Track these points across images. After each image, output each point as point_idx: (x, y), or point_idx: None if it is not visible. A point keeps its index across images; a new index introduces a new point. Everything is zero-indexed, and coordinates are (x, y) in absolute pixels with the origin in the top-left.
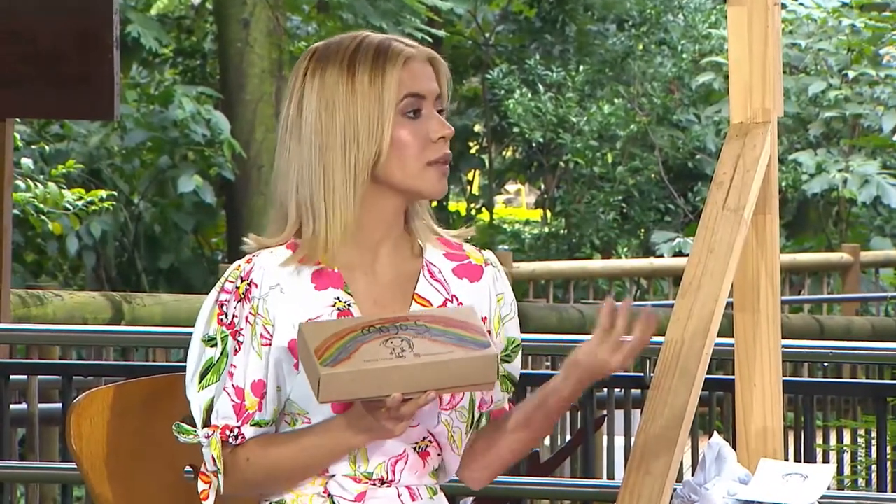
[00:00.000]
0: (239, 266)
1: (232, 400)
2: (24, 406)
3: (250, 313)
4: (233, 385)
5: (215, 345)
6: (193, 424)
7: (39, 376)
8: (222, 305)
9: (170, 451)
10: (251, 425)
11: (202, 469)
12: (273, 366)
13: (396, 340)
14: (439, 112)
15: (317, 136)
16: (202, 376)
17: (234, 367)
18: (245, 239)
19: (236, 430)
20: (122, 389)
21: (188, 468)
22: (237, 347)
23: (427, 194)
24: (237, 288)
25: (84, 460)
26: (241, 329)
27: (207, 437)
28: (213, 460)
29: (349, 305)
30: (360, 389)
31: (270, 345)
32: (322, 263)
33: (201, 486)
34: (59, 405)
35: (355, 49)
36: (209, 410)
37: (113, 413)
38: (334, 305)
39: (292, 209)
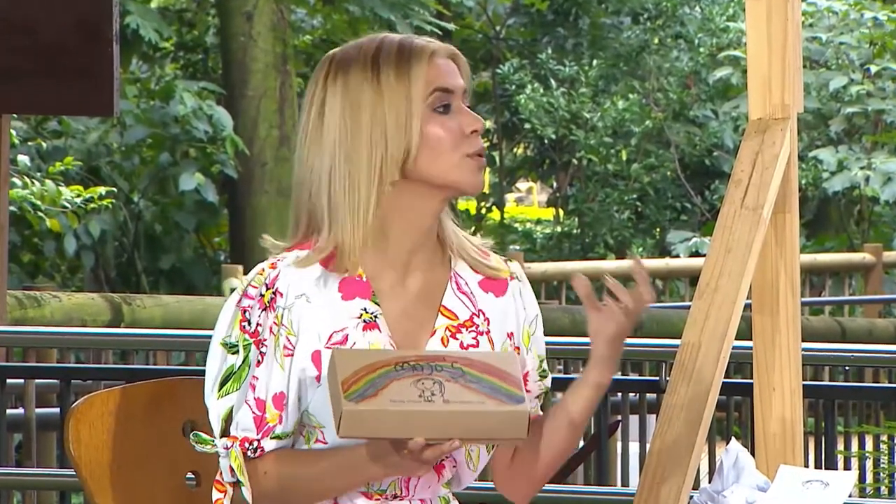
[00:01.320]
0: (263, 271)
1: (253, 412)
2: (20, 411)
3: (274, 323)
4: (255, 397)
5: (237, 352)
6: (205, 431)
7: (37, 380)
8: (245, 311)
9: (171, 458)
10: (271, 438)
11: (217, 478)
12: (295, 377)
13: (428, 382)
14: (468, 106)
15: (341, 139)
16: (222, 384)
17: (257, 378)
18: (264, 236)
19: (256, 443)
20: (122, 394)
21: (190, 475)
22: (260, 358)
23: (464, 188)
24: (262, 296)
25: (83, 467)
26: (265, 339)
27: (226, 447)
28: (232, 471)
29: (375, 317)
30: (383, 429)
31: (293, 356)
32: (349, 271)
33: (216, 494)
34: (56, 410)
35: (377, 49)
36: (228, 420)
37: (113, 418)
38: (360, 317)
39: (313, 214)
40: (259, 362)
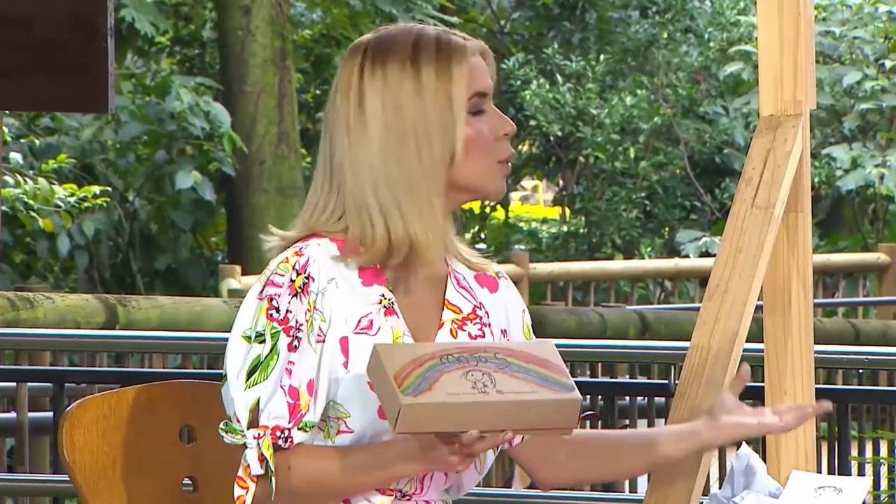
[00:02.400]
0: (287, 259)
1: (287, 399)
2: (13, 415)
3: (307, 309)
4: (290, 384)
5: (263, 341)
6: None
7: (29, 383)
8: (272, 299)
9: (168, 463)
10: (299, 429)
11: (240, 473)
12: (325, 364)
13: (477, 374)
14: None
15: (387, 136)
16: (249, 374)
17: (293, 363)
18: (272, 231)
19: (287, 432)
20: (117, 397)
21: (187, 480)
22: (296, 344)
23: (492, 194)
24: (292, 281)
25: (77, 472)
26: (300, 325)
27: (257, 437)
28: (261, 461)
29: (393, 303)
30: (440, 423)
31: (324, 342)
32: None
33: (238, 491)
34: (50, 414)
35: (415, 43)
36: (255, 410)
37: (107, 422)
38: (380, 303)
39: (352, 204)
40: (294, 348)
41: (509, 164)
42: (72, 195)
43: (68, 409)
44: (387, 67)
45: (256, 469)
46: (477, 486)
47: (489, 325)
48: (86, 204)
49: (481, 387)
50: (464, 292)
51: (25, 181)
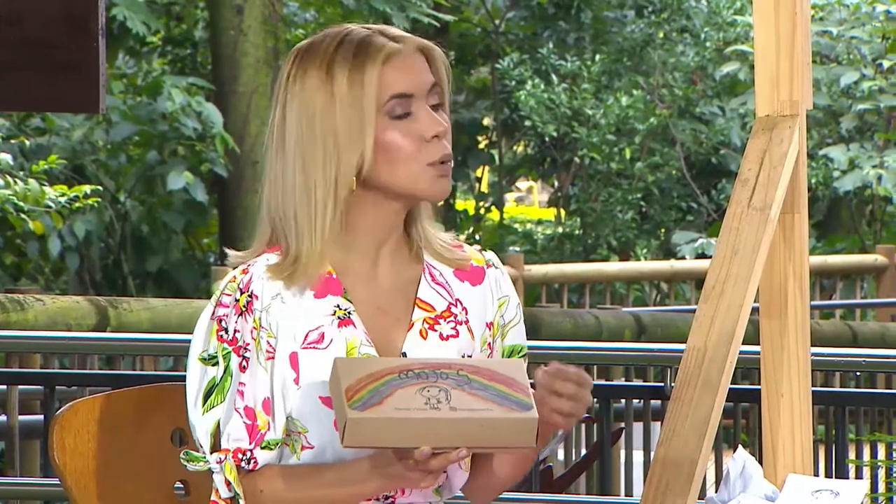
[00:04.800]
0: (235, 277)
1: (244, 420)
2: (3, 418)
3: (254, 327)
4: (244, 405)
5: (217, 363)
6: (193, 447)
7: (20, 386)
8: (221, 321)
9: (159, 466)
10: (262, 448)
11: (213, 497)
12: (277, 381)
13: (434, 389)
14: (436, 106)
15: (298, 147)
16: (206, 398)
17: (244, 384)
18: (227, 252)
19: (249, 454)
20: (109, 400)
21: (179, 484)
22: (244, 364)
23: (426, 197)
24: (237, 301)
25: (68, 476)
26: (247, 344)
27: (219, 461)
28: (228, 485)
29: (349, 313)
30: (389, 438)
31: (273, 358)
32: (309, 280)
33: None
34: (40, 417)
35: (336, 49)
36: (216, 434)
37: (98, 425)
38: (334, 314)
39: (276, 222)
40: (244, 368)
41: (447, 163)
42: (62, 196)
43: (59, 412)
44: (307, 76)
45: (225, 493)
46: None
47: (466, 322)
48: (77, 205)
49: (434, 403)
50: (439, 288)
51: (16, 182)
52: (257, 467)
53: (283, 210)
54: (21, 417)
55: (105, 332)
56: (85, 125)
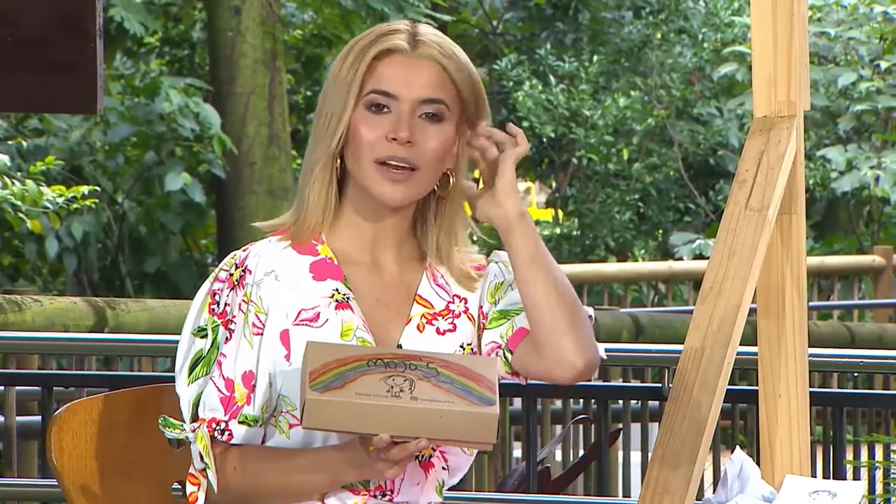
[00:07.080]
0: (234, 255)
1: (220, 391)
2: (1, 419)
3: (243, 301)
4: (222, 375)
5: (206, 336)
6: (176, 417)
7: (17, 387)
8: (215, 294)
9: (157, 467)
10: (239, 422)
11: (190, 470)
12: (266, 356)
13: (398, 379)
14: (432, 118)
15: (313, 126)
16: (191, 369)
17: (224, 356)
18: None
19: (223, 425)
20: (106, 401)
21: (177, 485)
22: (228, 336)
23: (375, 196)
24: (231, 275)
25: (65, 477)
26: (234, 317)
27: (193, 430)
28: (201, 456)
29: (348, 298)
30: (347, 423)
31: (262, 334)
32: (321, 253)
33: (190, 488)
34: (38, 418)
35: (365, 37)
36: (198, 405)
37: (96, 426)
38: (332, 297)
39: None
40: (227, 340)
41: (400, 170)
42: (60, 196)
43: (57, 413)
44: (335, 62)
45: (198, 463)
46: (472, 491)
47: (466, 310)
48: (74, 205)
49: (396, 391)
50: (438, 289)
51: (13, 183)
52: (233, 440)
53: (301, 182)
54: (19, 418)
55: (103, 332)
56: (83, 126)
